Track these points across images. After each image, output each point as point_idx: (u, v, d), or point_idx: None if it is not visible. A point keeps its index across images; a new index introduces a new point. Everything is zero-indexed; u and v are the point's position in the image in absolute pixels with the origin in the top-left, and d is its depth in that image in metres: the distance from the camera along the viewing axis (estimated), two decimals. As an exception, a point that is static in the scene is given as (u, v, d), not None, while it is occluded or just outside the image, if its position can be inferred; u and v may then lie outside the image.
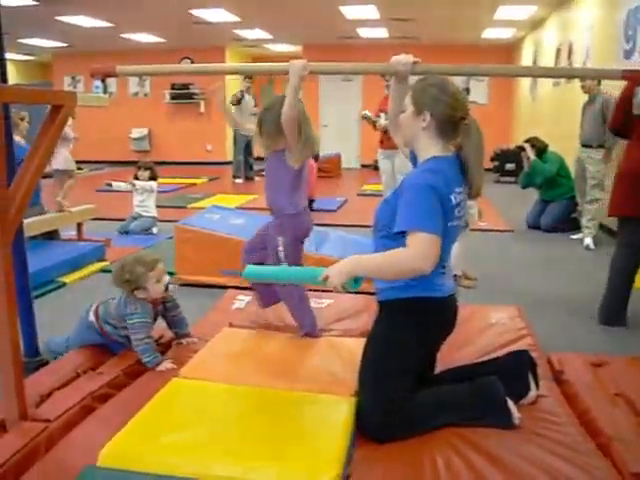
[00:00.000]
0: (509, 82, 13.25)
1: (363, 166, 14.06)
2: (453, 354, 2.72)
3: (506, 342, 2.94)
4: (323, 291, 3.76)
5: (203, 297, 4.01)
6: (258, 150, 3.18)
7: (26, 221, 3.57)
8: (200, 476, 1.87)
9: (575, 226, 6.40)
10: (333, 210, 7.96)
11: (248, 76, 10.76)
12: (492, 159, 11.48)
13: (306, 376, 2.53)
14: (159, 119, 14.72)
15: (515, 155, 9.39)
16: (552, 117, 9.32)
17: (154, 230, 6.50)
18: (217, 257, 4.26)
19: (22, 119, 5.28)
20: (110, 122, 13.82)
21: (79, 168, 6.09)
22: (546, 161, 6.82)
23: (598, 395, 2.38)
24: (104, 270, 4.87)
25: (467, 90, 13.29)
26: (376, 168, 12.45)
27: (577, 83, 6.40)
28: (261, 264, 2.89)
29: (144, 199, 6.55)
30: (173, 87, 14.44)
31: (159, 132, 14.77)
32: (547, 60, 9.99)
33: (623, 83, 2.80)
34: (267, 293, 3.14)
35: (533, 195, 7.20)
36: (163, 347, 2.94)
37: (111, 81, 14.26)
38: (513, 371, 2.37)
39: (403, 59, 2.37)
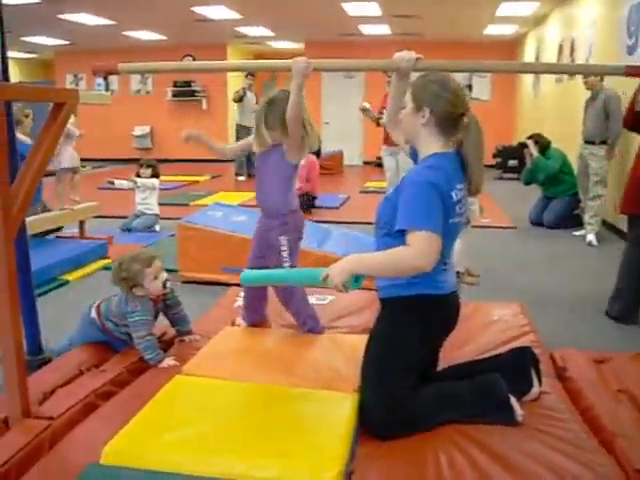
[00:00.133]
0: (511, 79, 13.23)
1: (365, 163, 14.06)
2: (455, 351, 2.71)
3: (509, 339, 2.94)
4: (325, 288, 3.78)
5: (205, 294, 4.01)
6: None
7: (29, 219, 3.57)
8: (203, 473, 1.87)
9: (578, 223, 6.39)
10: (335, 207, 7.96)
11: (250, 73, 10.76)
12: (494, 156, 11.46)
13: (309, 373, 2.53)
14: (161, 117, 14.72)
15: (518, 152, 9.40)
16: (554, 114, 9.30)
17: (156, 228, 6.50)
18: (219, 254, 4.26)
19: (27, 116, 5.27)
20: (112, 120, 13.82)
21: (82, 166, 6.08)
22: (549, 158, 6.81)
23: (601, 391, 2.38)
24: (107, 268, 4.86)
25: (469, 87, 13.32)
26: (379, 165, 12.52)
27: (579, 79, 6.39)
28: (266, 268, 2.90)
29: (146, 197, 6.55)
30: (175, 85, 14.44)
31: (161, 130, 14.77)
32: (549, 56, 9.97)
33: (626, 79, 2.80)
34: (254, 311, 3.14)
35: (536, 192, 7.19)
36: (165, 344, 2.94)
37: (113, 79, 14.27)
38: (516, 368, 2.37)
39: (406, 56, 2.37)
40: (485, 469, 1.91)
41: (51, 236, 5.60)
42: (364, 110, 6.70)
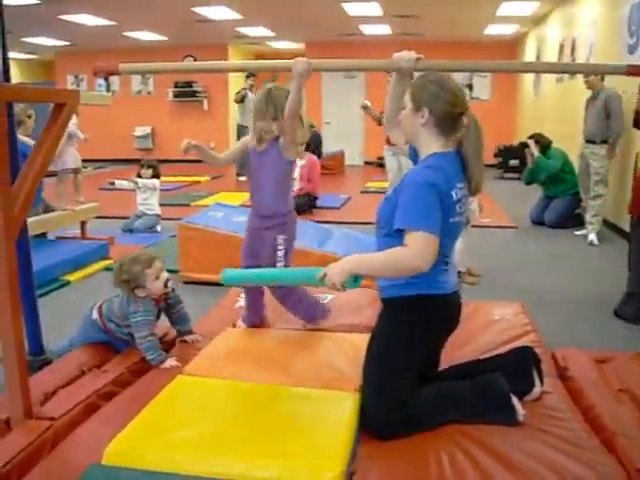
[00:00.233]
0: (512, 78, 13.22)
1: (366, 163, 14.06)
2: (456, 351, 2.71)
3: (510, 338, 2.94)
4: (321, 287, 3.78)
5: (206, 295, 4.01)
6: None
7: (30, 219, 3.57)
8: (204, 473, 1.87)
9: (579, 222, 6.39)
10: (336, 207, 7.96)
11: (251, 74, 10.76)
12: (495, 155, 11.46)
13: (310, 372, 2.53)
14: (162, 117, 14.73)
15: (519, 151, 9.39)
16: (555, 113, 9.29)
17: (158, 228, 6.51)
18: (220, 255, 4.25)
19: (29, 117, 5.28)
20: (113, 121, 13.83)
21: (83, 166, 6.10)
22: (550, 157, 6.81)
23: (602, 391, 2.37)
24: (108, 268, 4.87)
25: (470, 86, 13.33)
26: (380, 165, 12.52)
27: (580, 79, 6.39)
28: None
29: (147, 197, 6.56)
30: (176, 85, 14.45)
31: (162, 130, 14.78)
32: (550, 56, 9.96)
33: (626, 78, 2.79)
34: (254, 312, 3.15)
35: (537, 191, 7.19)
36: (167, 345, 2.95)
37: (114, 79, 14.27)
38: (517, 367, 2.37)
39: (406, 55, 2.37)
40: (487, 469, 1.91)
41: (52, 236, 5.60)
42: (365, 108, 6.71)
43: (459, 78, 12.51)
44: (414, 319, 2.22)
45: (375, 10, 9.99)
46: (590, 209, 5.98)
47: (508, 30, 11.92)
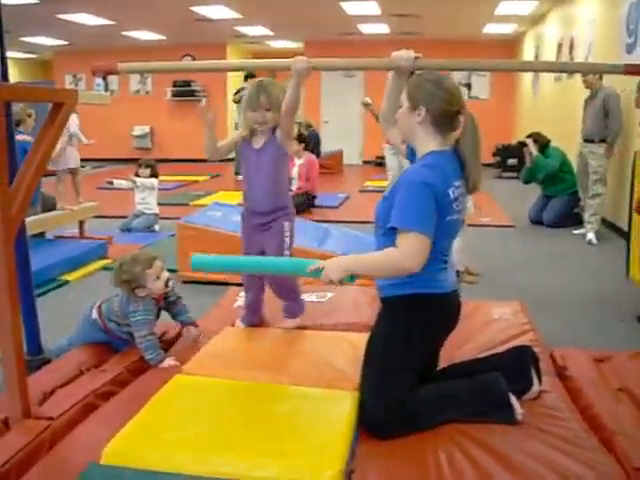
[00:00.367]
0: (511, 77, 13.22)
1: (365, 162, 14.05)
2: (455, 350, 2.71)
3: (509, 337, 2.94)
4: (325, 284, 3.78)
5: (205, 294, 4.01)
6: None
7: (28, 219, 3.57)
8: (204, 473, 1.87)
9: (578, 221, 6.39)
10: (335, 206, 7.96)
11: (250, 74, 10.75)
12: (494, 154, 11.46)
13: (309, 371, 2.53)
14: (161, 116, 14.72)
15: (517, 150, 9.39)
16: (554, 112, 9.30)
17: (156, 227, 6.50)
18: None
19: (29, 116, 5.29)
20: (112, 120, 13.80)
21: (82, 166, 6.09)
22: (548, 156, 6.81)
23: (601, 390, 2.38)
24: (106, 268, 4.87)
25: (469, 85, 13.33)
26: (378, 164, 12.53)
27: (579, 78, 6.39)
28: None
29: (145, 196, 6.55)
30: (175, 84, 14.43)
31: (161, 129, 14.77)
32: (549, 55, 9.97)
33: (624, 78, 2.79)
34: (253, 312, 3.14)
35: (535, 190, 7.19)
36: (166, 344, 2.94)
37: (112, 79, 14.27)
38: (516, 367, 2.37)
39: (404, 54, 2.36)
40: (486, 468, 1.91)
41: (50, 236, 5.60)
42: (366, 105, 6.71)
43: (458, 77, 12.53)
44: (413, 318, 2.22)
45: (373, 9, 9.99)
46: (589, 208, 5.98)
47: (507, 29, 11.92)
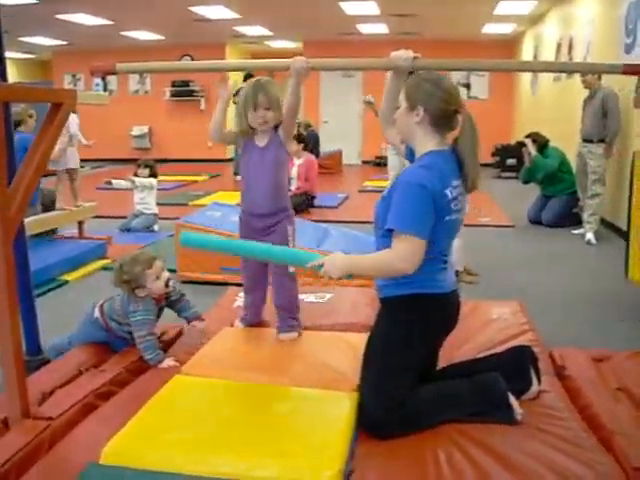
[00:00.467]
0: (510, 77, 13.23)
1: (364, 162, 14.05)
2: (454, 350, 2.72)
3: (508, 337, 2.94)
4: (324, 285, 3.78)
5: (204, 294, 4.01)
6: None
7: (27, 220, 3.57)
8: (203, 473, 1.87)
9: (577, 221, 6.39)
10: (334, 206, 7.95)
11: (249, 74, 10.74)
12: (493, 154, 11.45)
13: (308, 372, 2.53)
14: (160, 116, 14.71)
15: (516, 150, 9.39)
16: (553, 112, 9.30)
17: (155, 227, 6.50)
18: (218, 254, 4.25)
19: (30, 116, 5.30)
20: (110, 120, 13.78)
21: (81, 166, 6.09)
22: (547, 156, 6.81)
23: (600, 390, 2.38)
24: (106, 268, 4.87)
25: (468, 85, 13.32)
26: (377, 164, 12.53)
27: (577, 78, 6.40)
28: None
29: (144, 196, 6.54)
30: (173, 84, 14.42)
31: (160, 130, 14.76)
32: (548, 55, 9.97)
33: (623, 77, 2.80)
34: (253, 313, 3.14)
35: (534, 190, 7.19)
36: (165, 344, 2.94)
37: (111, 79, 14.26)
38: (515, 366, 2.37)
39: (403, 54, 2.37)
40: (485, 468, 1.91)
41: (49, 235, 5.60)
42: (368, 103, 6.71)
43: (457, 77, 12.54)
44: (412, 318, 2.22)
45: (372, 9, 9.99)
46: (588, 208, 5.98)
47: (506, 29, 11.92)
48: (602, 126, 5.79)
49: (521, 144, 7.13)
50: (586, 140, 5.98)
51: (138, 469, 1.90)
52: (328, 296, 3.55)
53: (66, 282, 4.57)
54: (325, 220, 6.21)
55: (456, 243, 3.06)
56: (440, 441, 2.08)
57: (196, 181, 10.86)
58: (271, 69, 2.90)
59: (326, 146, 12.21)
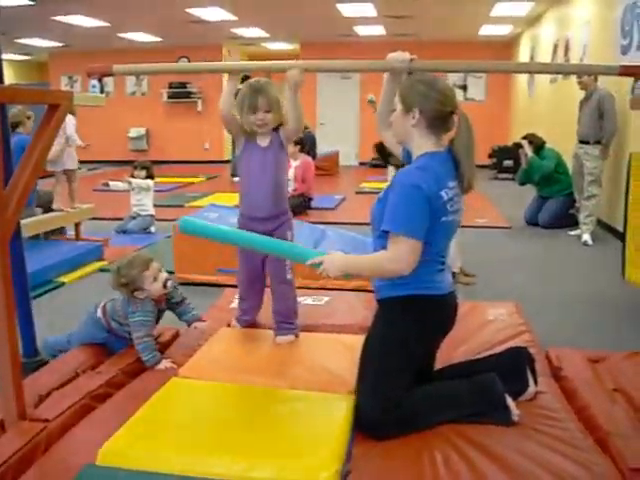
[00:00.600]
0: (506, 79, 13.25)
1: (361, 164, 14.05)
2: (451, 351, 2.72)
3: (504, 338, 2.95)
4: (321, 288, 3.78)
5: (201, 296, 4.00)
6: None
7: (23, 221, 3.57)
8: (200, 474, 1.87)
9: (573, 222, 6.40)
10: (331, 208, 7.95)
11: (247, 76, 10.75)
12: (490, 156, 11.47)
13: (304, 374, 2.53)
14: (156, 118, 14.70)
15: (513, 152, 9.41)
16: (549, 114, 9.32)
17: (152, 229, 6.49)
18: (215, 256, 4.26)
19: (28, 118, 5.30)
20: (107, 122, 13.79)
21: (78, 168, 6.09)
22: (544, 157, 6.82)
23: (597, 391, 2.38)
24: (102, 270, 4.86)
25: (464, 87, 13.35)
26: (373, 166, 12.53)
27: (574, 79, 6.40)
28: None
29: (141, 198, 6.54)
30: (170, 86, 14.41)
31: (157, 131, 14.75)
32: (544, 56, 9.99)
33: (619, 79, 2.81)
34: (251, 315, 3.14)
35: (531, 192, 7.20)
36: (162, 346, 2.94)
37: (108, 80, 14.23)
38: (511, 367, 2.37)
39: (400, 56, 2.37)
40: (481, 469, 1.91)
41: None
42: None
43: (453, 79, 12.56)
44: (410, 320, 2.22)
45: (369, 11, 9.99)
46: (584, 209, 5.99)
47: (502, 31, 11.94)
48: (598, 127, 5.80)
49: (518, 145, 7.14)
50: (582, 141, 5.99)
51: (134, 470, 1.90)
52: (326, 299, 3.56)
53: (63, 284, 4.56)
54: (322, 222, 6.21)
55: (452, 245, 3.06)
56: (437, 442, 2.08)
57: (193, 183, 10.85)
58: (268, 70, 2.87)
59: (323, 147, 12.21)
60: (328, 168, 11.88)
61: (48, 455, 2.03)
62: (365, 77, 13.05)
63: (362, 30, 12.04)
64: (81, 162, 6.04)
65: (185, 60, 13.56)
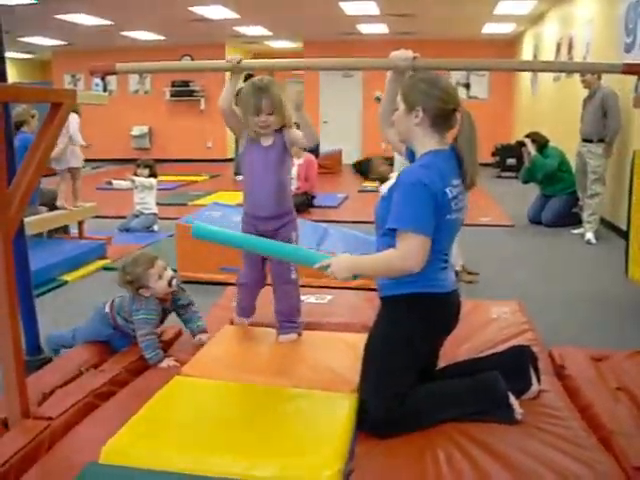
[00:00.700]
0: (509, 77, 13.22)
1: (364, 162, 14.04)
2: (455, 349, 2.72)
3: (507, 337, 2.94)
4: (324, 287, 3.78)
5: (204, 294, 4.00)
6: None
7: (27, 219, 3.57)
8: (203, 472, 1.88)
9: (576, 221, 6.39)
10: (334, 206, 7.96)
11: (250, 74, 10.75)
12: (493, 154, 11.45)
13: (307, 373, 2.53)
14: (159, 117, 14.71)
15: (516, 150, 9.40)
16: (553, 112, 9.30)
17: (155, 227, 6.50)
18: (218, 254, 4.26)
19: (33, 116, 5.32)
20: (110, 120, 13.80)
21: (82, 166, 6.10)
22: (547, 156, 6.80)
23: (600, 389, 2.38)
24: (105, 268, 4.88)
25: (467, 85, 13.32)
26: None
27: (577, 78, 6.39)
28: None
29: (144, 196, 6.54)
30: (173, 84, 14.41)
31: (160, 130, 14.76)
32: (547, 55, 9.97)
33: (623, 77, 2.81)
34: (249, 306, 3.13)
35: (534, 190, 7.19)
36: (165, 344, 2.94)
37: (111, 79, 14.22)
38: (515, 366, 2.37)
39: (403, 54, 2.36)
40: (484, 467, 1.91)
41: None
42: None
43: (456, 77, 12.55)
44: (413, 318, 2.22)
45: (372, 9, 9.98)
46: (587, 208, 5.98)
47: (506, 29, 11.91)
48: (602, 126, 5.78)
49: (521, 144, 7.13)
50: (586, 140, 5.97)
51: (138, 469, 1.90)
52: (329, 297, 3.56)
53: (66, 282, 4.57)
54: (325, 220, 6.21)
55: (454, 243, 3.06)
56: (440, 440, 2.08)
57: (196, 181, 10.85)
58: (272, 69, 2.84)
59: (326, 146, 12.20)
60: (331, 166, 11.88)
61: (51, 453, 2.04)
62: (368, 75, 13.04)
63: (365, 28, 12.02)
64: (84, 160, 6.04)
65: (188, 58, 13.57)
